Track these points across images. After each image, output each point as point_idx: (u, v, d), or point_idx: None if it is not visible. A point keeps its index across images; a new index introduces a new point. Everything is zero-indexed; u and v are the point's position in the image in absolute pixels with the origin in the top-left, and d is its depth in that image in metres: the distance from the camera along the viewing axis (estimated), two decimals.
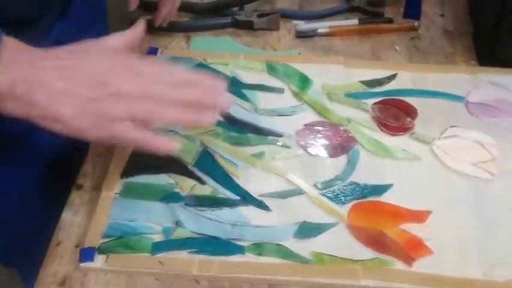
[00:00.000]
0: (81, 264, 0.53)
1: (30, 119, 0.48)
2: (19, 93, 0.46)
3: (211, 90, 0.52)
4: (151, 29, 0.76)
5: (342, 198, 0.58)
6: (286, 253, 0.54)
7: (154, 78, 0.50)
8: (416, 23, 0.79)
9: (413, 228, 0.56)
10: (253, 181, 0.60)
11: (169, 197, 0.58)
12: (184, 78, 0.52)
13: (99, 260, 0.53)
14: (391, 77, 0.71)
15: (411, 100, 0.68)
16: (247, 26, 0.78)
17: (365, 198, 0.59)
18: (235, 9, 0.80)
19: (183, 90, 0.51)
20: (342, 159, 0.62)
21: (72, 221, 0.58)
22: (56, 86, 0.47)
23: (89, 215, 0.58)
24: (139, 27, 0.54)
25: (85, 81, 0.48)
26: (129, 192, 0.58)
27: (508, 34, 0.69)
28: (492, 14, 0.70)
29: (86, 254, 0.53)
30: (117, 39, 0.53)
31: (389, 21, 0.80)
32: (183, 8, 0.80)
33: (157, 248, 0.54)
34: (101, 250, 0.54)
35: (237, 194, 0.58)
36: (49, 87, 0.47)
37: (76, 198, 0.60)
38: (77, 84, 0.48)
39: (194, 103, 0.51)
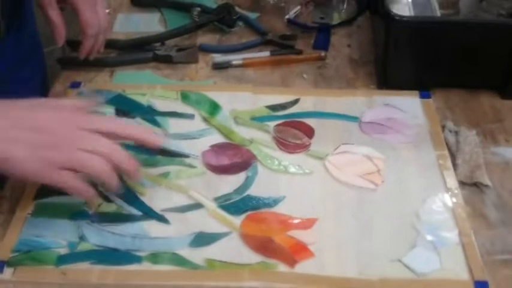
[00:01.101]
0: None
1: None
2: None
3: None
4: (79, 65, 0.83)
5: (237, 210, 0.64)
6: (180, 261, 0.59)
7: (93, 132, 0.58)
8: (323, 53, 0.87)
9: (300, 235, 0.61)
10: (157, 198, 0.65)
11: (77, 214, 0.63)
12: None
13: (7, 273, 0.58)
14: (295, 102, 0.78)
15: (310, 121, 0.75)
16: (167, 60, 0.85)
17: (258, 209, 0.64)
18: (157, 44, 0.87)
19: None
20: (241, 176, 0.68)
21: None
22: (8, 133, 0.54)
23: (3, 236, 0.62)
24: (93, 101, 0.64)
25: (33, 129, 0.55)
26: (40, 212, 0.63)
27: (394, 63, 0.77)
28: (382, 44, 0.77)
29: None
30: (69, 101, 0.61)
31: (299, 52, 0.87)
32: (108, 45, 0.86)
33: (61, 260, 0.59)
34: (9, 263, 0.58)
35: (140, 210, 0.64)
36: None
37: None
38: (27, 132, 0.55)
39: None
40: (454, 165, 0.69)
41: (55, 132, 0.56)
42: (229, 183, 0.67)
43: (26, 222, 0.62)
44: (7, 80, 0.78)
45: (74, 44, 0.87)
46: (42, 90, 0.86)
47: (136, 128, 0.65)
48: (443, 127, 0.74)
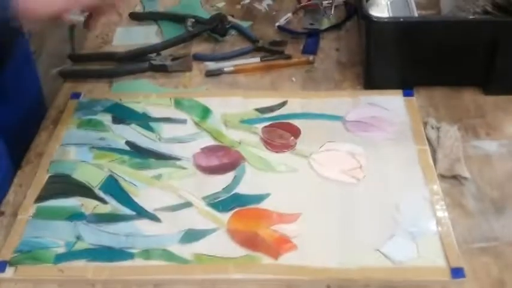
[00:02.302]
0: None
1: None
2: None
3: None
4: (79, 76, 0.88)
5: (225, 207, 0.67)
6: (170, 256, 0.63)
7: None
8: (311, 57, 0.90)
9: (284, 229, 0.65)
10: (149, 198, 0.69)
11: (74, 216, 0.67)
12: None
13: (9, 272, 0.62)
14: (282, 104, 0.81)
15: (297, 122, 0.78)
16: (162, 69, 0.89)
17: (245, 206, 0.67)
18: (153, 55, 0.92)
19: None
20: (230, 175, 0.71)
21: None
22: None
23: (6, 237, 0.67)
24: None
25: None
26: (41, 214, 0.68)
27: (377, 63, 0.80)
28: (365, 46, 0.80)
29: None
30: None
31: (288, 57, 0.91)
32: (107, 57, 0.92)
33: (59, 258, 0.63)
34: (11, 263, 0.63)
35: (133, 210, 0.68)
36: None
37: None
38: None
39: None
40: (434, 159, 0.71)
41: None
42: (218, 183, 0.70)
43: (27, 224, 0.66)
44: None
45: (74, 57, 0.93)
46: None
47: None
48: (425, 124, 0.77)
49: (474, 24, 0.75)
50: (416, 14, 0.79)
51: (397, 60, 0.79)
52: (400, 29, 0.75)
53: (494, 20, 0.76)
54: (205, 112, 0.80)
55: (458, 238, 0.63)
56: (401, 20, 0.76)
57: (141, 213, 0.67)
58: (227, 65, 0.90)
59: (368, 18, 0.75)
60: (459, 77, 0.81)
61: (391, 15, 0.80)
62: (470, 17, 0.76)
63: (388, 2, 0.79)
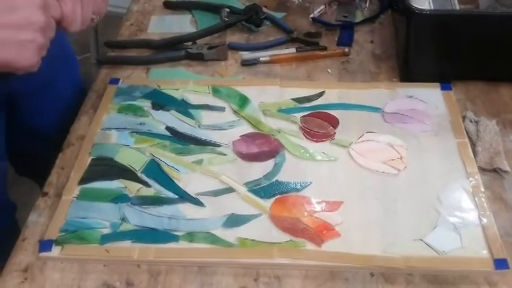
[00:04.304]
0: (41, 254, 0.63)
1: None
2: None
3: None
4: (116, 63, 0.89)
5: (267, 194, 0.68)
6: (214, 239, 0.63)
7: None
8: (346, 49, 0.91)
9: (326, 216, 0.65)
10: (192, 183, 0.70)
11: (118, 198, 0.68)
12: None
13: (55, 251, 0.63)
14: (320, 94, 0.81)
15: (335, 112, 0.78)
16: (199, 58, 0.90)
17: (287, 193, 0.68)
18: (189, 43, 0.92)
19: None
20: (270, 163, 0.72)
21: (36, 222, 0.68)
22: None
23: (51, 217, 0.67)
24: None
25: None
26: (85, 195, 0.69)
27: (415, 56, 0.80)
28: (404, 39, 0.81)
29: (45, 246, 0.63)
30: None
31: (324, 48, 0.91)
32: (143, 44, 0.92)
33: (105, 239, 0.64)
34: (57, 242, 0.64)
35: (176, 194, 0.68)
36: None
37: (41, 203, 0.70)
38: None
39: None
40: (474, 152, 0.72)
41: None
42: (259, 170, 0.71)
43: (72, 205, 0.67)
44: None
45: (111, 44, 0.93)
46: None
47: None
48: (463, 117, 0.77)
49: None
50: (458, 7, 0.79)
51: (436, 53, 0.80)
52: (442, 22, 0.76)
53: None
54: (243, 100, 0.81)
55: (499, 231, 0.63)
56: (444, 13, 0.76)
57: (184, 197, 0.68)
58: (263, 55, 0.90)
59: (410, 10, 0.75)
60: (497, 72, 0.82)
61: (432, 7, 0.80)
62: None
63: None
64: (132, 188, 0.69)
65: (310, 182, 0.69)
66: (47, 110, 0.90)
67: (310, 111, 0.79)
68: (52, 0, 0.63)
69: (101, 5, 0.70)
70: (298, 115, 0.78)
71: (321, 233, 0.63)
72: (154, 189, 0.69)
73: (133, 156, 0.73)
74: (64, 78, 0.91)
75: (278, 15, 1.00)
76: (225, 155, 0.73)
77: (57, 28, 0.64)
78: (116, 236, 0.64)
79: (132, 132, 0.76)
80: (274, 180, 0.70)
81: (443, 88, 0.81)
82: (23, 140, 0.91)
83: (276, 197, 0.68)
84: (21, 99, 0.85)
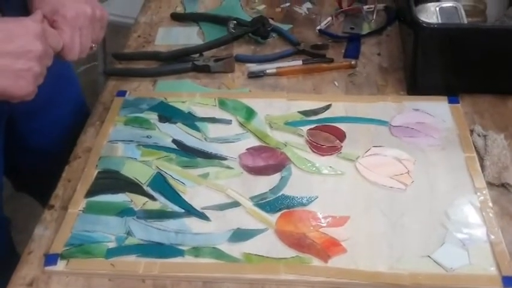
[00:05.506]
0: (46, 268, 0.63)
1: None
2: None
3: None
4: (123, 75, 0.89)
5: (273, 208, 0.68)
6: (219, 254, 0.63)
7: None
8: (353, 62, 0.90)
9: (333, 232, 0.65)
10: (197, 197, 0.70)
11: (124, 212, 0.68)
12: None
13: (61, 265, 0.63)
14: (326, 107, 0.81)
15: (342, 126, 0.78)
16: (205, 70, 0.90)
17: (293, 208, 0.68)
18: (196, 55, 0.92)
19: None
20: (276, 177, 0.72)
21: (42, 235, 0.68)
22: None
23: (57, 230, 0.68)
24: None
25: None
26: (91, 209, 0.69)
27: (423, 69, 0.80)
28: (411, 52, 0.80)
29: (50, 260, 0.63)
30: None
31: (330, 61, 0.91)
32: (151, 56, 0.93)
33: (110, 253, 0.64)
34: (63, 256, 0.64)
35: (182, 208, 0.68)
36: None
37: (47, 216, 0.70)
38: None
39: None
40: (482, 167, 0.71)
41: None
42: (265, 184, 0.71)
43: (78, 218, 0.67)
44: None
45: (118, 56, 0.94)
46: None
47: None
48: (471, 131, 0.77)
49: None
50: (466, 21, 0.79)
51: (444, 66, 0.79)
52: (449, 36, 0.75)
53: None
54: (250, 113, 0.81)
55: (507, 247, 0.63)
56: (452, 26, 0.76)
57: (190, 211, 0.68)
58: (269, 67, 0.90)
59: (417, 23, 0.75)
60: (505, 85, 0.81)
61: (440, 21, 0.80)
62: None
63: (437, 8, 0.79)
64: (138, 202, 0.69)
65: (317, 196, 0.69)
66: (47, 129, 0.90)
67: (317, 124, 0.79)
68: (50, 28, 0.64)
69: (99, 33, 0.70)
70: (305, 128, 0.78)
71: (327, 248, 0.63)
72: (160, 202, 0.69)
73: (139, 169, 0.73)
74: (65, 98, 0.91)
75: (285, 27, 1.00)
76: (231, 168, 0.73)
77: (55, 56, 0.64)
78: (122, 250, 0.64)
79: (139, 145, 0.76)
80: (280, 194, 0.69)
81: (450, 101, 0.80)
82: (22, 157, 0.90)
83: (282, 212, 0.67)
84: (21, 118, 0.85)
